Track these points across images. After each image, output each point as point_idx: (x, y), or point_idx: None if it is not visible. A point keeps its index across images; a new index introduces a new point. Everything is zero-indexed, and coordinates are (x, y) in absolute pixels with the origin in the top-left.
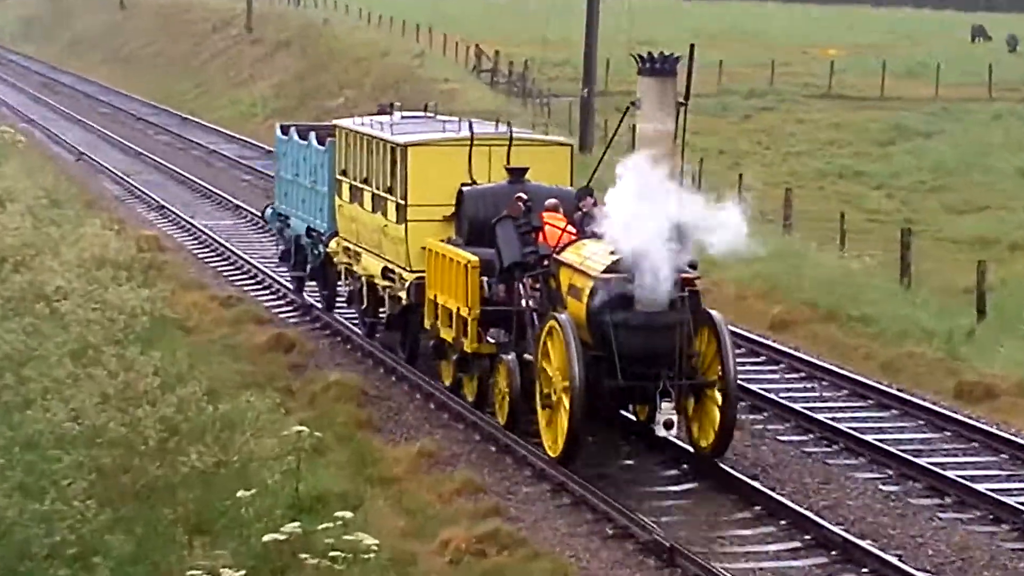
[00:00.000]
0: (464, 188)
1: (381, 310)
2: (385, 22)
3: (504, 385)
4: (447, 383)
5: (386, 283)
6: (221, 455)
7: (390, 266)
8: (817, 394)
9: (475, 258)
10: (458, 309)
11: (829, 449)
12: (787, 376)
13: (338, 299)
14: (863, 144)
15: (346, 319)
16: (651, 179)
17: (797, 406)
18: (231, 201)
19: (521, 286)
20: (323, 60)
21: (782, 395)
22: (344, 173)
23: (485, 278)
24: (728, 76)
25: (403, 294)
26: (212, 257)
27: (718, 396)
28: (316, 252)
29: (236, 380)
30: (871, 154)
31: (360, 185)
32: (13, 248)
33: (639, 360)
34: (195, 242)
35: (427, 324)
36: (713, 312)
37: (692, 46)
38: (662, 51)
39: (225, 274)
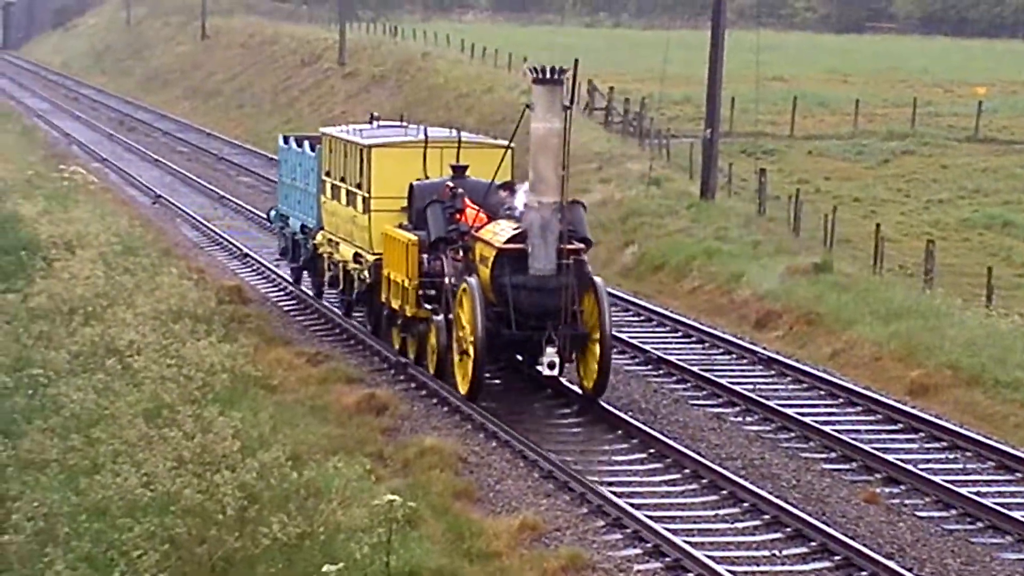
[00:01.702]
0: (414, 183)
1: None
2: (490, 55)
3: (434, 342)
4: (396, 346)
5: (356, 266)
6: (305, 526)
7: (359, 251)
8: (960, 466)
9: (415, 237)
10: (403, 281)
11: (973, 527)
12: (927, 446)
13: (328, 291)
14: (1014, 192)
15: (439, 383)
16: (543, 171)
17: (938, 479)
18: None
19: (445, 258)
20: (422, 96)
21: (921, 467)
22: (328, 174)
23: (425, 256)
24: (865, 116)
25: (366, 273)
26: (299, 310)
27: (596, 346)
28: (308, 246)
29: (323, 444)
30: (1022, 203)
31: (339, 183)
32: (84, 298)
33: (531, 315)
34: (281, 294)
35: (383, 297)
36: (596, 278)
37: (576, 60)
38: (553, 65)
39: (313, 329)
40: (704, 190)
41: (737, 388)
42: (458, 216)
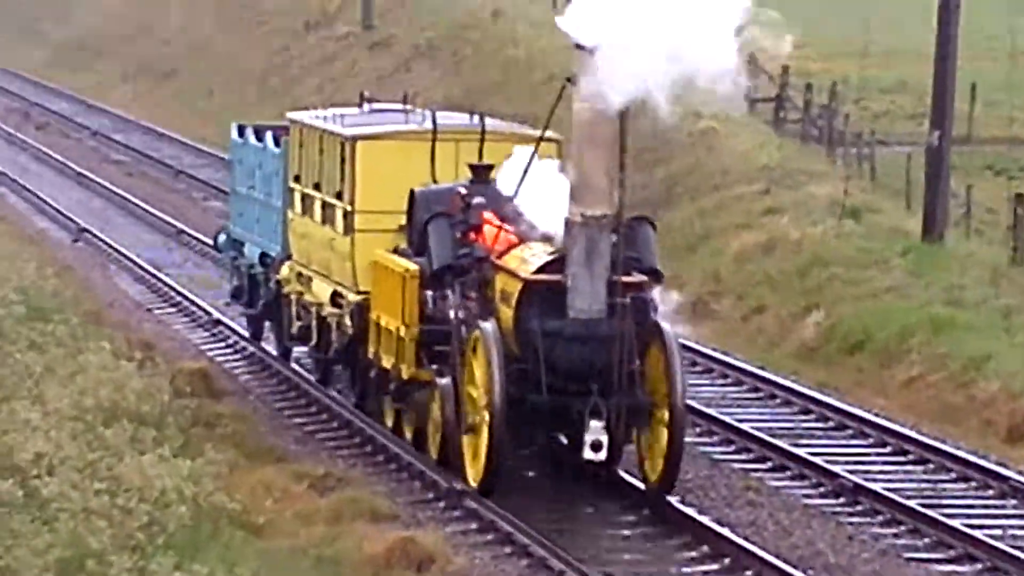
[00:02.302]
0: (416, 190)
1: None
2: None
3: (438, 415)
4: (388, 424)
5: (333, 310)
6: None
7: (338, 289)
8: None
9: (415, 266)
10: (398, 329)
11: None
12: None
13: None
14: None
15: (504, 512)
16: (591, 172)
17: None
18: None
19: (453, 295)
20: (492, 77)
21: None
22: (297, 179)
23: (429, 292)
24: None
25: (348, 320)
26: (299, 407)
27: (663, 423)
28: (269, 284)
29: None
30: None
31: (311, 192)
32: None
33: (570, 374)
34: (269, 379)
35: (371, 352)
36: (665, 325)
37: None
38: None
39: (320, 435)
40: (928, 227)
41: (979, 535)
42: (473, 236)
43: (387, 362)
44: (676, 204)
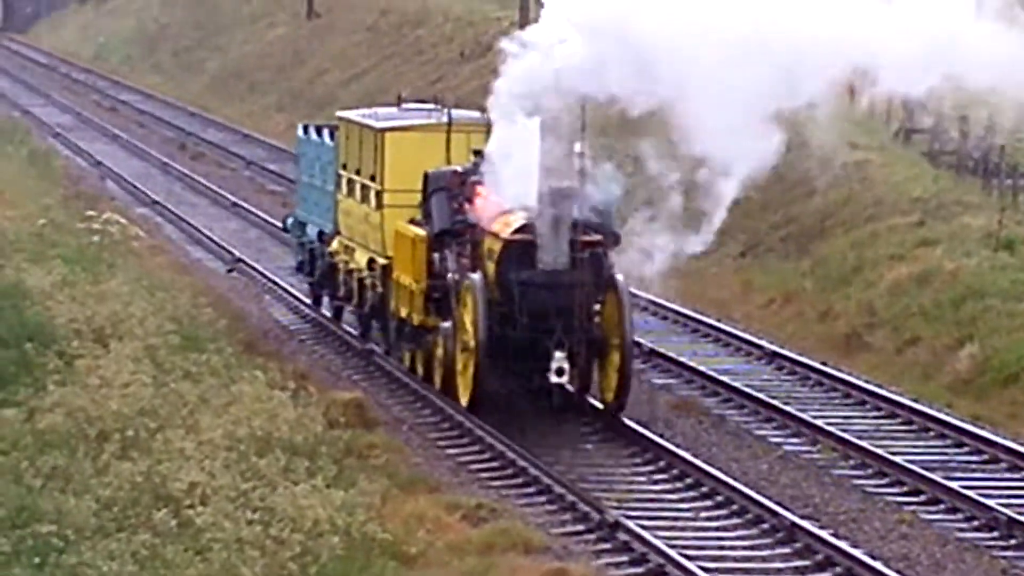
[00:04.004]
0: (428, 172)
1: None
2: None
3: (440, 352)
4: (406, 364)
5: (369, 273)
6: None
7: (373, 256)
8: None
9: (423, 232)
10: (411, 285)
11: None
12: None
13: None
14: None
15: (663, 547)
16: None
17: None
18: None
19: (450, 253)
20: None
21: None
22: (344, 167)
23: (437, 255)
24: None
25: (378, 280)
26: (451, 437)
27: (616, 353)
28: (324, 255)
29: None
30: None
31: (354, 176)
32: (121, 417)
33: (538, 315)
34: (423, 409)
35: (393, 306)
36: (618, 276)
37: None
38: None
39: (472, 465)
40: None
41: None
42: (467, 206)
43: (404, 312)
44: (829, 236)
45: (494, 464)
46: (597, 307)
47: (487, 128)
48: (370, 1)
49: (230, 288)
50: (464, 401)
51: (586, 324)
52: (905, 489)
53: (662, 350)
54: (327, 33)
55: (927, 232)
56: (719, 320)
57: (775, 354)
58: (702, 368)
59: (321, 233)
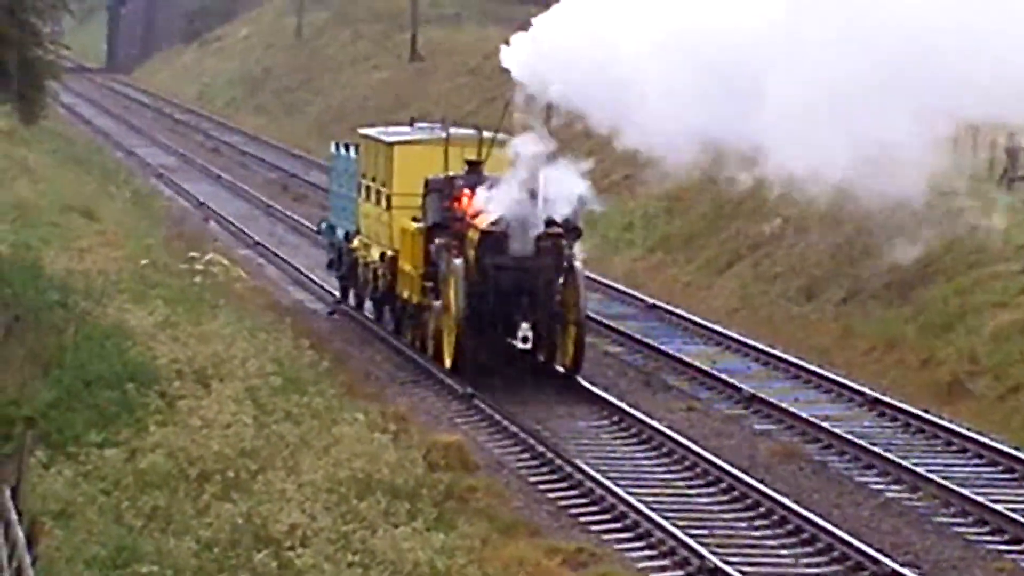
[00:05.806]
0: (428, 178)
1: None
2: None
3: (432, 326)
4: (409, 339)
5: (380, 264)
6: None
7: (384, 250)
8: None
9: (420, 226)
10: (411, 271)
11: None
12: None
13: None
14: None
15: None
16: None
17: None
18: (601, 391)
19: (440, 243)
20: None
21: None
22: (364, 176)
23: (432, 246)
24: None
25: (387, 270)
26: (551, 480)
27: (572, 326)
28: (348, 253)
29: None
30: None
31: (370, 183)
32: (222, 458)
33: (508, 293)
34: (523, 453)
35: (398, 290)
36: (577, 263)
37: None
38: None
39: (573, 510)
40: None
41: None
42: (456, 204)
43: (407, 295)
44: (931, 282)
45: (594, 508)
46: (559, 288)
47: (479, 142)
48: (473, 44)
49: (331, 330)
50: (448, 363)
51: (547, 302)
52: (1007, 537)
53: (763, 395)
54: (430, 76)
55: None
56: (820, 366)
57: (876, 400)
58: (803, 414)
59: (347, 234)
